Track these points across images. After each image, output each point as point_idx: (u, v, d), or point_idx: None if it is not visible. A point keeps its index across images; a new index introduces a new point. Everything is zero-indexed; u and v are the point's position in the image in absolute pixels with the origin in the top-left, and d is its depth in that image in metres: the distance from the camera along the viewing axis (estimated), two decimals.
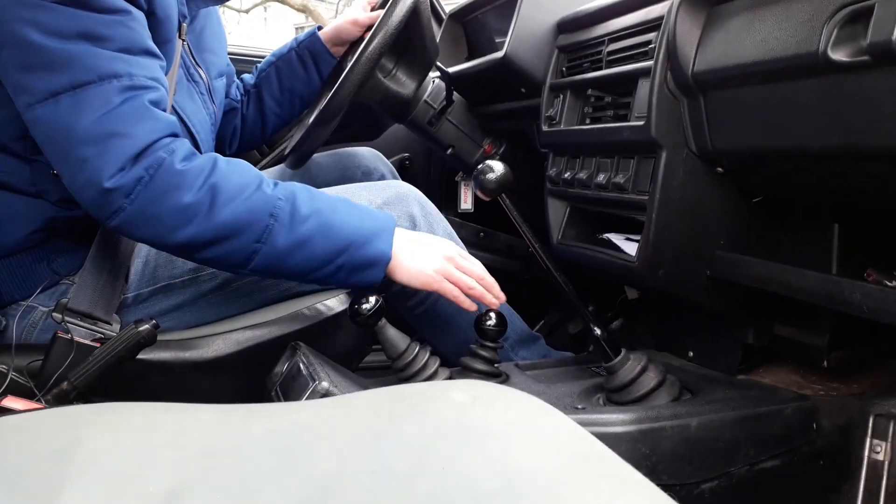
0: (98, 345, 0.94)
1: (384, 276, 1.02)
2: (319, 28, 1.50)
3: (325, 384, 0.90)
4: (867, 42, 0.68)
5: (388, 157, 1.62)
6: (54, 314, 0.99)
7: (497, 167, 1.05)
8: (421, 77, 1.38)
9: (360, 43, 1.25)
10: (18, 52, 0.89)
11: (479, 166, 1.06)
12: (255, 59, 1.78)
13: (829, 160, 0.82)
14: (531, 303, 1.62)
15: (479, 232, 1.80)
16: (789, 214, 1.05)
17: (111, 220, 0.91)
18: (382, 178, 1.51)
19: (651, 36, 1.02)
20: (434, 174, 1.89)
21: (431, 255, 1.06)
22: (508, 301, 1.35)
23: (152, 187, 0.90)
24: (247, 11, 11.73)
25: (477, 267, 1.10)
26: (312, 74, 1.48)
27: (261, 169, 1.42)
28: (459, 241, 1.29)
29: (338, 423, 0.47)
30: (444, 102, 1.50)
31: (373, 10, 1.45)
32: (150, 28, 1.01)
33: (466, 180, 1.77)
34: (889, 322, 0.77)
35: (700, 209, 1.02)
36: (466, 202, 1.78)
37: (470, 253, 1.33)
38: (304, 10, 11.63)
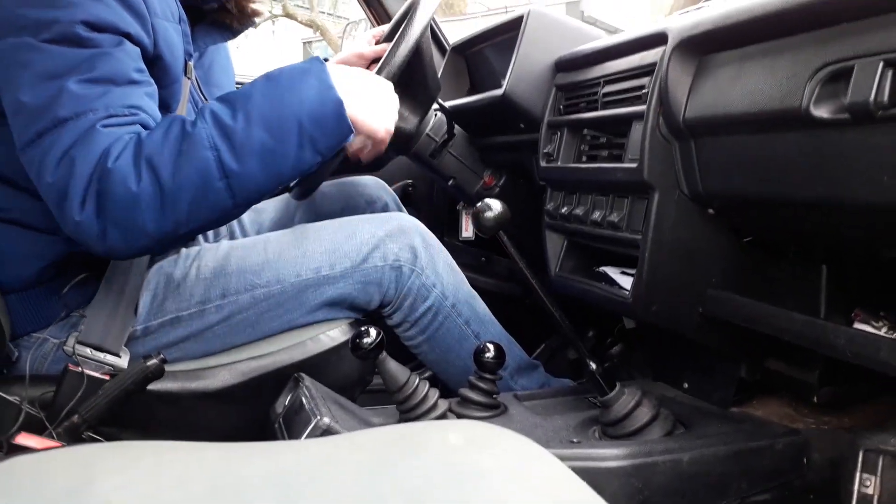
0: (108, 377, 0.97)
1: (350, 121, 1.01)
2: (325, 60, 1.54)
3: (326, 420, 0.93)
4: (847, 101, 0.71)
5: (391, 184, 1.65)
6: (65, 347, 1.01)
7: (495, 206, 1.07)
8: (423, 112, 1.41)
9: None
10: (12, 96, 0.92)
11: (478, 204, 1.09)
12: None
13: (814, 209, 0.85)
14: (531, 328, 1.64)
15: (480, 257, 1.83)
16: (780, 255, 1.07)
17: (101, 244, 0.92)
18: (385, 207, 1.54)
19: (645, 81, 1.04)
20: (437, 200, 1.92)
21: (386, 112, 1.08)
22: (508, 326, 1.37)
23: (105, 192, 0.90)
24: (255, 26, 11.83)
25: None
26: None
27: (267, 199, 1.44)
28: (460, 271, 1.32)
29: (336, 464, 0.50)
30: (446, 136, 1.53)
31: (377, 43, 1.49)
32: (159, 70, 1.04)
33: (468, 209, 1.80)
34: (873, 367, 0.79)
35: (692, 249, 1.04)
36: (468, 230, 1.80)
37: (470, 277, 1.36)
38: (311, 24, 11.74)
